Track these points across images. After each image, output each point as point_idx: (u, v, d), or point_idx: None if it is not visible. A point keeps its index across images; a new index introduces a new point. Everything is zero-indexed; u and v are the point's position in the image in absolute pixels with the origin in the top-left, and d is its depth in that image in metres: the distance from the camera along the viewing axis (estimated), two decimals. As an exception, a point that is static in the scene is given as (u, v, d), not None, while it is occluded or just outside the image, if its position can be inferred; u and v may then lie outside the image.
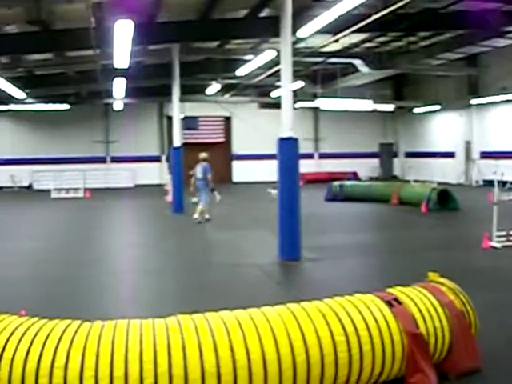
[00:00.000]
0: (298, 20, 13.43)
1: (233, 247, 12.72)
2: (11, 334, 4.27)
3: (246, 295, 8.12)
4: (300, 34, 15.06)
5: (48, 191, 28.09)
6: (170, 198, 21.45)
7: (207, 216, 16.93)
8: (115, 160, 34.99)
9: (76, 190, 28.03)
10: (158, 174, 35.15)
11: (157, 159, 35.68)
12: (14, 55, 19.34)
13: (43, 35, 16.46)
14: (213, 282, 9.32)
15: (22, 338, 4.21)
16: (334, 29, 16.42)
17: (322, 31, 15.50)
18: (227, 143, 36.49)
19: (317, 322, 4.46)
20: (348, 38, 19.98)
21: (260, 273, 9.78)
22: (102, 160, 34.83)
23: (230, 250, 12.44)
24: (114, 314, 6.77)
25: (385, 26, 17.90)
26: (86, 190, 28.19)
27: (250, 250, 12.24)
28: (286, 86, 10.97)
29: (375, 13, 14.63)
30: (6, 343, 4.20)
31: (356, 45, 23.89)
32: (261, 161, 34.70)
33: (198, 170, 16.86)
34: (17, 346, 4.15)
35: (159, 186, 31.20)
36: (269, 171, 34.06)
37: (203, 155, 16.97)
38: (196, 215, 16.70)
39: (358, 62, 23.89)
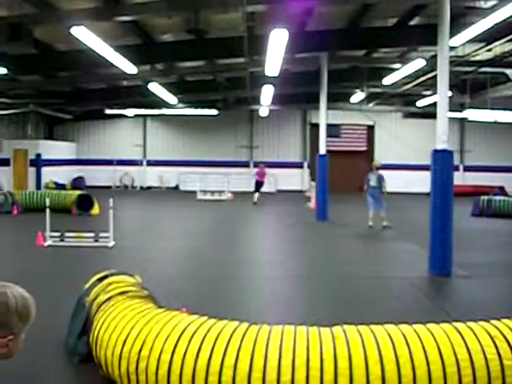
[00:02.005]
0: (452, 28, 13.06)
1: (379, 258, 12.62)
2: (183, 330, 4.52)
3: (398, 309, 8.03)
4: (453, 42, 14.63)
5: (193, 192, 29.19)
6: (312, 204, 21.57)
7: (386, 223, 17.10)
8: (258, 165, 35.68)
9: (220, 192, 28.89)
10: (299, 180, 35.45)
11: (299, 165, 35.98)
12: (169, 62, 20.29)
13: (198, 43, 17.16)
14: (362, 293, 9.29)
15: (193, 335, 4.44)
16: (489, 37, 15.81)
17: (474, 39, 14.99)
18: (369, 152, 36.11)
19: (484, 344, 4.30)
20: (501, 47, 19.16)
21: (410, 287, 9.62)
22: (245, 164, 35.69)
23: (376, 260, 12.35)
24: (264, 317, 6.95)
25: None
26: (229, 192, 28.98)
27: (398, 263, 12.08)
28: (443, 96, 10.67)
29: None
30: (178, 339, 4.45)
31: (509, 53, 22.84)
32: (403, 171, 34.07)
33: (372, 179, 17.39)
34: (189, 343, 4.38)
35: (300, 192, 31.48)
36: (410, 181, 33.64)
37: (377, 164, 17.64)
38: (385, 222, 17.05)
39: (510, 72, 22.86)
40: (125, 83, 24.54)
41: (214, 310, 6.72)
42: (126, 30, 15.92)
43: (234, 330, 4.42)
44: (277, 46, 12.99)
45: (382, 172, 17.74)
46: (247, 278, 10.32)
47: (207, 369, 4.20)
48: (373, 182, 17.36)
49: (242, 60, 17.91)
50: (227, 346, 4.25)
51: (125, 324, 4.84)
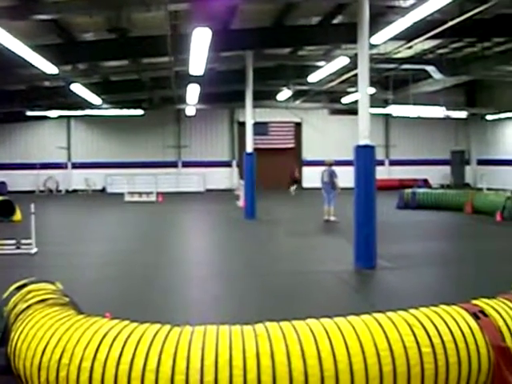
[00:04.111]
0: (373, 26, 13.31)
1: (308, 253, 12.74)
2: (104, 336, 4.42)
3: (324, 303, 8.14)
4: (374, 40, 14.94)
5: (121, 194, 28.80)
6: (241, 203, 21.64)
7: (333, 218, 17.72)
8: (186, 165, 35.58)
9: (148, 193, 28.60)
10: (228, 179, 35.50)
11: (227, 164, 36.03)
12: (92, 62, 19.91)
13: (120, 43, 16.91)
14: (290, 288, 9.34)
15: (114, 340, 4.35)
16: (408, 35, 16.21)
17: (395, 37, 15.34)
18: (297, 149, 36.50)
19: (403, 333, 4.41)
20: (421, 44, 19.69)
21: (337, 281, 9.76)
22: (173, 164, 35.45)
23: (305, 256, 12.46)
24: (194, 318, 6.91)
25: (460, 32, 17.58)
26: (158, 193, 28.71)
27: (326, 257, 12.23)
28: (363, 93, 10.89)
29: (451, 19, 14.38)
30: (99, 345, 4.35)
31: (429, 51, 23.51)
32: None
33: (325, 175, 18.12)
34: (109, 349, 4.29)
35: (229, 190, 31.52)
36: (339, 177, 34.14)
37: (329, 161, 18.27)
38: (332, 217, 17.74)
39: (430, 69, 23.53)
40: (46, 84, 23.95)
41: (140, 313, 6.63)
42: (46, 29, 15.51)
43: (156, 333, 4.35)
44: (200, 44, 12.95)
45: (334, 168, 18.45)
46: (175, 279, 10.23)
47: (129, 374, 4.12)
48: (325, 177, 18.09)
49: (166, 59, 17.75)
50: (149, 350, 4.18)
51: (44, 333, 4.69)
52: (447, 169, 37.78)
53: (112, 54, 17.50)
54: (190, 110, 32.12)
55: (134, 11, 14.57)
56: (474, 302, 5.19)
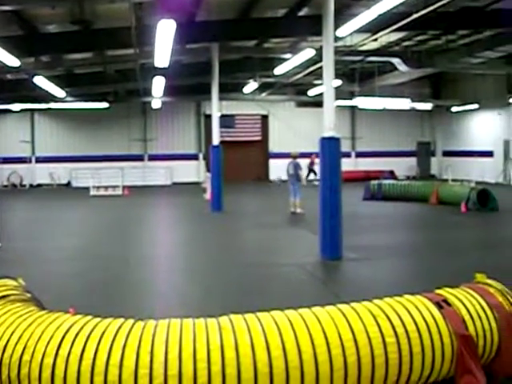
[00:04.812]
0: (338, 19, 13.35)
1: (274, 246, 12.77)
2: (66, 332, 4.35)
3: (290, 294, 8.15)
4: (340, 32, 15.00)
5: (87, 189, 28.45)
6: (208, 195, 21.58)
7: (299, 210, 17.81)
8: (153, 158, 35.33)
9: (114, 187, 28.34)
10: (195, 171, 35.35)
11: (194, 157, 35.87)
12: (55, 54, 19.60)
13: (84, 35, 16.68)
14: (256, 281, 9.35)
15: (77, 336, 4.29)
16: (374, 27, 16.30)
17: (361, 30, 15.41)
18: (264, 141, 36.51)
19: (367, 323, 4.45)
20: (387, 37, 19.81)
21: (303, 272, 9.79)
22: (139, 158, 35.18)
23: (271, 248, 12.48)
24: (160, 311, 6.88)
25: (424, 25, 17.71)
26: (124, 187, 28.48)
27: (292, 249, 12.26)
28: (328, 85, 10.91)
29: (416, 12, 14.49)
30: (61, 341, 4.28)
31: (394, 43, 23.69)
32: (298, 159, 34.61)
33: (290, 168, 18.22)
34: (72, 344, 4.22)
35: (196, 183, 31.41)
36: (305, 169, 34.25)
37: (294, 153, 18.42)
38: (298, 210, 17.81)
39: (396, 61, 23.69)
40: (9, 77, 23.53)
41: (105, 308, 6.58)
42: (7, 21, 15.19)
43: (119, 328, 4.30)
44: (165, 36, 12.83)
45: (299, 160, 18.56)
46: (140, 273, 10.14)
47: (92, 369, 4.07)
48: (290, 170, 18.21)
49: (131, 51, 17.58)
50: (112, 344, 4.13)
51: (4, 329, 4.60)
52: (413, 160, 38.15)
53: (76, 46, 17.21)
54: (156, 103, 31.88)
55: (97, 3, 14.39)
56: (438, 291, 5.26)
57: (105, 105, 30.35)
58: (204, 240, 14.02)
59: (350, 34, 16.45)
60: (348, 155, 36.05)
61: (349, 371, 4.24)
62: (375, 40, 19.71)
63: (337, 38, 18.49)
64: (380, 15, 13.55)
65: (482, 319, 4.90)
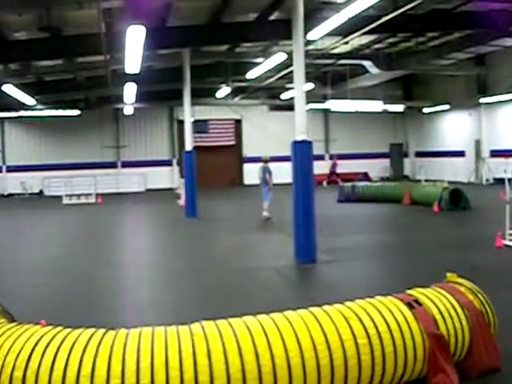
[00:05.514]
0: (309, 22, 13.41)
1: (248, 251, 12.76)
2: (36, 343, 4.29)
3: (265, 299, 8.13)
4: (310, 36, 15.06)
5: (59, 197, 28.15)
6: (182, 201, 21.51)
7: (266, 213, 17.63)
8: (126, 165, 35.09)
9: (87, 195, 28.08)
10: (168, 178, 35.20)
11: (168, 163, 35.71)
12: (24, 62, 19.39)
13: (53, 41, 16.51)
14: (231, 286, 9.32)
15: (47, 347, 4.23)
16: (344, 31, 16.40)
17: (331, 33, 15.48)
18: (238, 146, 36.49)
19: (339, 326, 4.47)
20: (357, 40, 19.97)
21: (277, 276, 9.78)
22: (112, 165, 34.91)
23: (245, 253, 12.46)
24: (134, 320, 6.83)
25: (394, 27, 17.91)
26: (97, 195, 28.25)
27: (266, 254, 12.25)
28: (299, 89, 10.94)
29: (385, 14, 14.62)
30: (31, 353, 4.22)
31: (365, 46, 23.88)
32: (271, 163, 34.65)
33: (260, 172, 18.20)
34: (42, 356, 4.17)
35: (170, 189, 31.28)
36: (279, 173, 34.27)
37: (265, 157, 18.29)
38: (264, 213, 17.60)
39: (367, 63, 23.89)
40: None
41: (78, 317, 6.51)
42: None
43: (90, 338, 4.26)
44: (135, 42, 12.73)
45: (270, 165, 18.43)
46: (113, 281, 10.06)
47: (63, 380, 4.02)
48: (261, 174, 18.14)
49: (101, 58, 17.44)
50: (83, 355, 4.09)
51: (-27, 342, 4.53)
52: (386, 162, 38.46)
53: (45, 53, 17.03)
54: (128, 109, 31.71)
55: (65, 9, 14.25)
56: (409, 292, 5.30)
57: (76, 112, 30.12)
58: (178, 246, 13.96)
59: (321, 38, 16.52)
60: (322, 158, 36.18)
61: (322, 374, 4.26)
62: (346, 43, 19.90)
63: (308, 42, 18.68)
64: (350, 18, 13.61)
65: (453, 318, 4.96)
